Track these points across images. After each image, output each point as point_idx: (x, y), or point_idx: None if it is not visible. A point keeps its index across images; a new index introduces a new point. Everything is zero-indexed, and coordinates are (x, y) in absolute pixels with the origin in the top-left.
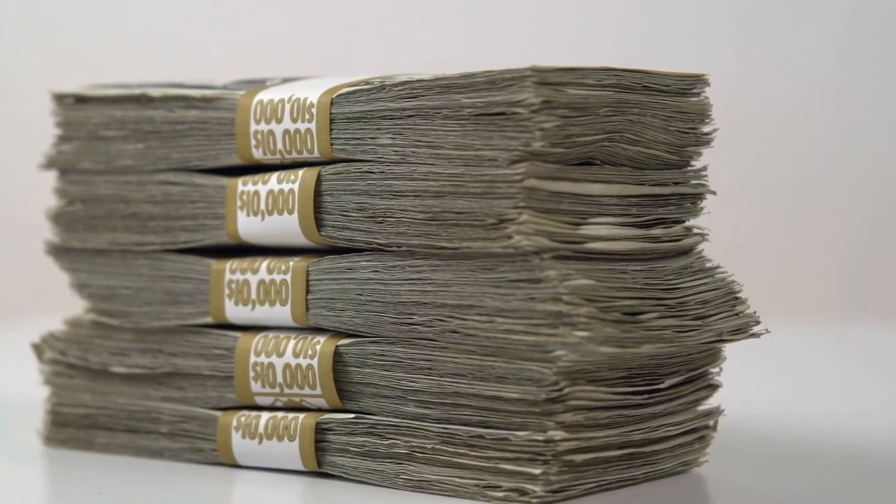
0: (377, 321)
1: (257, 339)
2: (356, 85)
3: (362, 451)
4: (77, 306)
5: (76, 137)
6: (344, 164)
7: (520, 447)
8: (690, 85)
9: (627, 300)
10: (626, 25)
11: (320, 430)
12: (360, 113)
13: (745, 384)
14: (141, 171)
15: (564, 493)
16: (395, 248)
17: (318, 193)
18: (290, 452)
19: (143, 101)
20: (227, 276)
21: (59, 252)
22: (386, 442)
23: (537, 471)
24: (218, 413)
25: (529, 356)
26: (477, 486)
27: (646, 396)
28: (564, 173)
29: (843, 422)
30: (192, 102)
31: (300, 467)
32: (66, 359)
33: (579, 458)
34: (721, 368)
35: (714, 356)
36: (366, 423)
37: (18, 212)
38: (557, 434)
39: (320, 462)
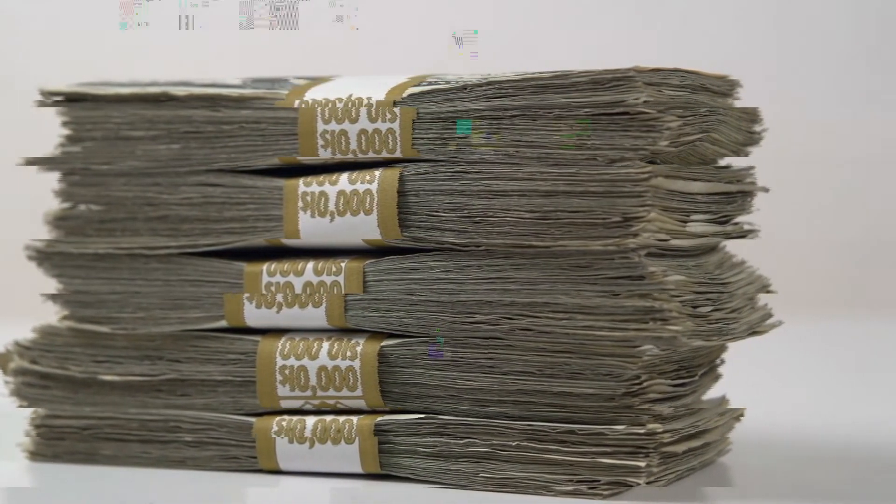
0: (435, 321)
1: (282, 343)
2: (434, 83)
3: (433, 452)
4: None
5: (89, 138)
6: (430, 163)
7: (617, 440)
8: (731, 87)
9: (693, 294)
10: (625, 25)
11: (378, 432)
12: (451, 112)
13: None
14: (172, 173)
15: (655, 485)
16: (495, 248)
17: (400, 194)
18: (348, 455)
19: (173, 100)
20: (265, 278)
21: (45, 257)
22: (461, 441)
23: (642, 463)
24: (252, 419)
25: (611, 351)
26: (570, 481)
27: (687, 388)
28: (676, 172)
29: (846, 417)
30: (245, 102)
31: (358, 470)
32: (38, 368)
33: (679, 448)
34: (723, 360)
35: (721, 348)
36: (434, 423)
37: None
38: (658, 427)
39: (382, 464)
